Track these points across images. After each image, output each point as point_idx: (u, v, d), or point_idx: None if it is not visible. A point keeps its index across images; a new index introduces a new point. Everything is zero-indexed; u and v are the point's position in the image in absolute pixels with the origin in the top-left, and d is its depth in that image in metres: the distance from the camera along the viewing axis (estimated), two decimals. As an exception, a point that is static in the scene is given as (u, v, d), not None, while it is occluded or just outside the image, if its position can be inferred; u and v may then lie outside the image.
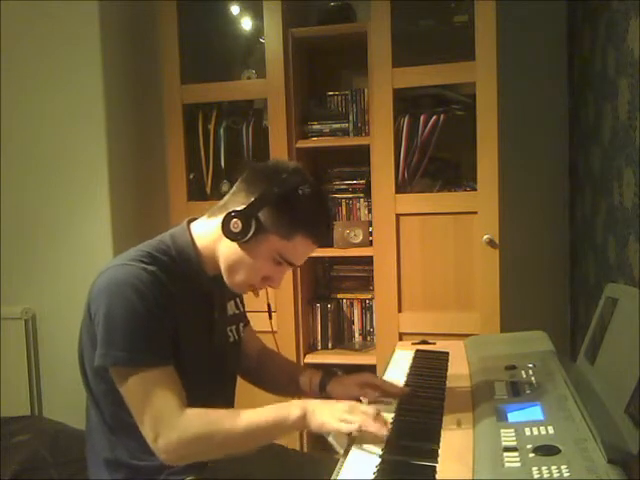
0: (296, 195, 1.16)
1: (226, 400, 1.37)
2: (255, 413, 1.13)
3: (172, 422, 1.09)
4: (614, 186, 1.84)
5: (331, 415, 1.10)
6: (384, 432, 1.06)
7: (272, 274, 1.22)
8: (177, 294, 1.18)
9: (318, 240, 1.21)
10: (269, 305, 1.37)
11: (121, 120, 2.65)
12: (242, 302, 1.44)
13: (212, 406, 1.15)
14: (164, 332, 1.14)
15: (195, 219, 1.31)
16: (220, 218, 1.19)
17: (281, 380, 1.47)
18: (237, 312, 1.41)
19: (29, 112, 2.59)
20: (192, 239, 1.24)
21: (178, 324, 1.18)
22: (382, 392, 1.32)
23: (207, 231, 1.24)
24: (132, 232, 2.64)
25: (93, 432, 1.25)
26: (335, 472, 1.01)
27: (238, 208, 1.17)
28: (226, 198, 1.24)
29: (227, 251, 1.20)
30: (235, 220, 1.15)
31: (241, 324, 1.42)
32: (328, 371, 1.42)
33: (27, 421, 2.36)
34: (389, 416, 1.20)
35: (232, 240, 1.17)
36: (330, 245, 2.49)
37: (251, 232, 1.15)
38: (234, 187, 1.24)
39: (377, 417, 1.10)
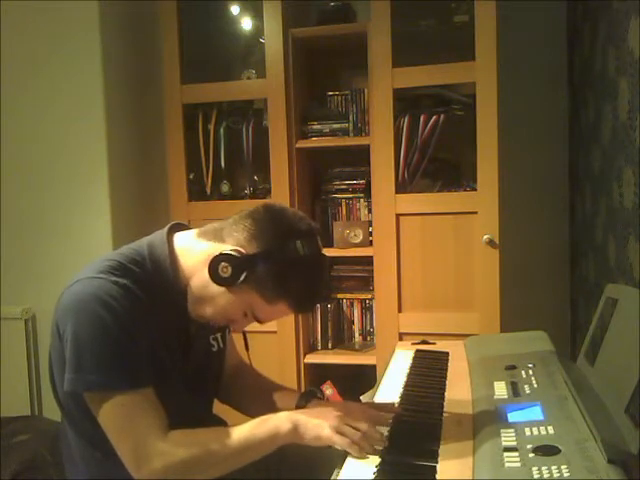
0: (295, 267, 1.09)
1: (205, 412, 1.31)
2: (241, 431, 1.07)
3: (155, 449, 1.02)
4: (614, 186, 1.84)
5: (328, 426, 1.07)
6: (377, 447, 1.06)
7: (237, 320, 1.16)
8: (152, 309, 1.10)
9: (299, 312, 1.16)
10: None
11: (121, 120, 2.65)
12: None
13: (191, 419, 1.09)
14: (139, 351, 1.06)
15: (180, 225, 1.23)
16: (211, 244, 1.13)
17: (253, 398, 1.38)
18: None
19: (29, 112, 2.59)
20: (172, 252, 1.16)
21: (154, 340, 1.10)
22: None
23: (193, 250, 1.16)
24: (132, 232, 2.62)
25: (72, 452, 1.18)
26: (335, 472, 1.01)
27: (230, 249, 1.09)
28: (224, 224, 1.15)
29: (201, 283, 1.12)
30: (225, 265, 1.07)
31: (227, 330, 1.35)
32: (307, 392, 1.34)
33: (27, 421, 2.36)
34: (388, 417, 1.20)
35: (214, 282, 1.09)
36: (330, 245, 2.49)
37: (237, 283, 1.08)
38: (238, 216, 1.15)
39: (371, 430, 1.09)
